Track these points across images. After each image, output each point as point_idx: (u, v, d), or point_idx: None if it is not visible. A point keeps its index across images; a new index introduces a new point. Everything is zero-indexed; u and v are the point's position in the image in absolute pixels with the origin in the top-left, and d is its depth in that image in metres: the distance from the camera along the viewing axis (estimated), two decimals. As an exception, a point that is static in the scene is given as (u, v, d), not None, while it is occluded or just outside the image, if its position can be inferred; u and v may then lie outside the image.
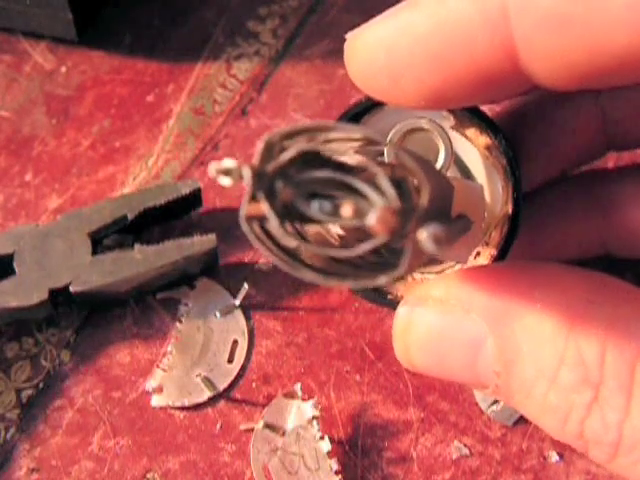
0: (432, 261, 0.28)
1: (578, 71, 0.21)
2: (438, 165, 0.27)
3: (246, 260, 0.37)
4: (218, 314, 0.36)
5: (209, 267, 0.36)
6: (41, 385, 0.34)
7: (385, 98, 0.24)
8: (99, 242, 0.35)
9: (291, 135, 0.19)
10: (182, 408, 0.34)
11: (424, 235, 0.17)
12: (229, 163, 0.18)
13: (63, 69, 0.42)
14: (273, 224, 0.18)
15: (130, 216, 0.35)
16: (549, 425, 0.23)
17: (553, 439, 0.33)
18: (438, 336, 0.24)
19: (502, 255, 0.27)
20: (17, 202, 0.38)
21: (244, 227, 0.19)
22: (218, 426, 0.33)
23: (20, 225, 0.37)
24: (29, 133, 0.40)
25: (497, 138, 0.27)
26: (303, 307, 0.36)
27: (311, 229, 0.20)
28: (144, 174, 0.39)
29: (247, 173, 0.18)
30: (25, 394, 0.34)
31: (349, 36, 0.24)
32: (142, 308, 0.36)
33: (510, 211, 0.27)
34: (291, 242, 0.19)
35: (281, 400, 0.33)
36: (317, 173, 0.18)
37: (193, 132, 0.40)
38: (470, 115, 0.27)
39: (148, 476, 0.32)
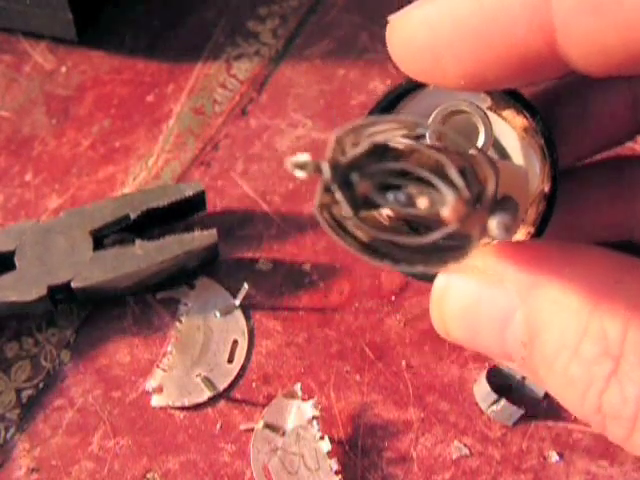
0: None
1: (613, 57, 0.21)
2: (480, 143, 0.27)
3: (246, 260, 0.37)
4: (218, 314, 0.36)
5: (210, 263, 0.36)
6: (41, 385, 0.34)
7: (426, 78, 0.25)
8: (100, 240, 0.35)
9: (357, 129, 0.19)
10: (182, 408, 0.34)
11: (494, 224, 0.19)
12: (305, 157, 0.19)
13: (63, 69, 0.42)
14: (347, 214, 0.19)
15: (133, 216, 0.36)
16: (569, 399, 0.23)
17: (553, 439, 0.33)
18: (473, 304, 0.25)
19: (539, 232, 0.28)
20: (17, 202, 0.38)
21: (318, 216, 0.20)
22: (218, 426, 0.33)
23: (22, 222, 0.37)
24: (29, 133, 0.40)
25: (534, 119, 0.27)
26: (303, 307, 0.36)
27: (378, 215, 0.21)
28: (144, 174, 0.39)
29: (326, 166, 0.19)
30: (25, 394, 0.34)
31: (392, 18, 0.25)
32: (142, 308, 0.36)
33: (547, 190, 0.27)
34: (364, 231, 0.20)
35: (281, 400, 0.33)
36: (391, 165, 0.19)
37: (193, 132, 0.40)
38: (507, 96, 0.27)
39: (148, 476, 0.32)
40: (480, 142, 0.27)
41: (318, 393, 0.34)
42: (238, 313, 0.36)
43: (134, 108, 0.41)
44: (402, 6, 0.24)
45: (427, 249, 0.20)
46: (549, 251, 0.24)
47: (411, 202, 0.19)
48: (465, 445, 0.33)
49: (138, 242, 0.35)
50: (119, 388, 0.34)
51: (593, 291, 0.22)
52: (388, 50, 0.25)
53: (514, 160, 0.29)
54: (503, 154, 0.30)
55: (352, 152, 0.19)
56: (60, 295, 0.34)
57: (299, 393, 0.33)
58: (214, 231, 0.35)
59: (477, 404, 0.33)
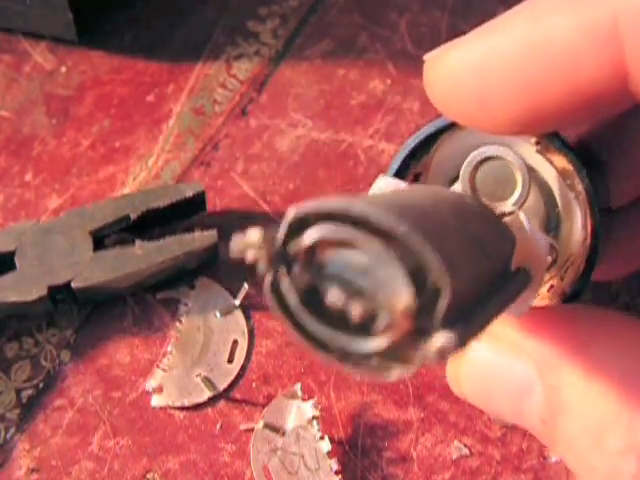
0: None
1: None
2: (513, 199, 0.25)
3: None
4: (218, 314, 0.36)
5: (210, 263, 0.36)
6: (41, 385, 0.34)
7: (471, 123, 0.23)
8: (101, 241, 0.35)
9: (318, 215, 0.18)
10: (182, 408, 0.34)
11: (433, 347, 0.16)
12: (250, 237, 0.17)
13: (63, 69, 0.42)
14: (293, 304, 0.18)
15: (133, 216, 0.36)
16: None
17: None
18: (487, 372, 0.24)
19: (574, 296, 0.26)
20: (17, 202, 0.38)
21: (268, 298, 0.18)
22: (218, 426, 0.33)
23: (22, 222, 0.37)
24: (29, 133, 0.40)
25: (576, 166, 0.25)
26: (303, 307, 0.36)
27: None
28: (144, 174, 0.39)
29: (262, 259, 0.17)
30: (25, 394, 0.34)
31: (428, 57, 0.23)
32: (142, 308, 0.36)
33: (588, 247, 0.25)
34: (309, 322, 0.18)
35: (281, 400, 0.33)
36: (337, 260, 0.18)
37: (193, 132, 0.40)
38: (555, 140, 0.25)
39: (148, 476, 0.32)
40: (516, 194, 0.25)
41: (318, 393, 0.34)
42: (238, 313, 0.36)
43: (134, 108, 0.41)
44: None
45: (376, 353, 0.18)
46: (576, 321, 0.23)
47: (347, 308, 0.17)
48: (465, 445, 0.33)
49: (138, 242, 0.35)
50: (119, 388, 0.34)
51: (623, 375, 0.20)
52: (426, 91, 0.23)
53: (560, 206, 0.27)
54: (549, 198, 0.28)
55: (299, 241, 0.18)
56: (60, 295, 0.34)
57: (299, 393, 0.33)
58: (214, 232, 0.35)
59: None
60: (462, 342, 0.17)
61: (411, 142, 0.27)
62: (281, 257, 0.18)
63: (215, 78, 0.42)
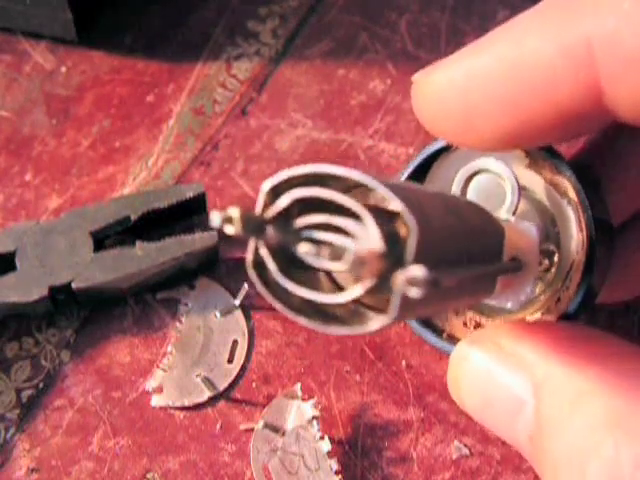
0: (500, 309, 0.27)
1: None
2: (505, 208, 0.26)
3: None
4: (218, 314, 0.36)
5: (210, 264, 0.36)
6: (41, 385, 0.34)
7: (457, 141, 0.24)
8: (101, 241, 0.35)
9: (292, 180, 0.19)
10: (182, 408, 0.34)
11: (400, 279, 0.17)
12: (229, 212, 0.18)
13: (63, 69, 0.42)
14: (272, 269, 0.19)
15: (133, 217, 0.36)
16: None
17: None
18: (487, 381, 0.24)
19: (577, 311, 0.26)
20: (17, 202, 0.38)
21: (250, 274, 0.19)
22: (218, 426, 0.33)
23: (23, 222, 0.37)
24: (29, 133, 0.40)
25: (569, 178, 0.26)
26: (303, 307, 0.36)
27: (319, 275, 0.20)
28: (144, 174, 0.39)
29: (237, 224, 0.18)
30: (25, 394, 0.34)
31: (416, 77, 0.24)
32: (142, 308, 0.36)
33: (585, 250, 0.26)
34: (291, 288, 0.19)
35: (281, 400, 0.33)
36: (310, 219, 0.19)
37: (193, 132, 0.40)
38: (544, 153, 0.26)
39: (148, 476, 0.32)
40: (507, 203, 0.26)
41: (318, 393, 0.34)
42: (238, 313, 0.36)
43: (134, 108, 0.41)
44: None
45: (349, 309, 0.19)
46: (577, 342, 0.23)
47: (319, 254, 0.18)
48: (465, 445, 0.33)
49: (139, 243, 0.35)
50: (119, 388, 0.34)
51: (614, 404, 0.20)
52: (414, 110, 0.24)
53: (558, 220, 0.27)
54: (543, 212, 0.28)
55: (273, 206, 0.19)
56: (61, 296, 0.34)
57: (299, 393, 0.33)
58: (214, 232, 0.35)
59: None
60: (434, 280, 0.17)
61: (405, 172, 0.28)
62: (258, 224, 0.18)
63: (215, 78, 0.42)
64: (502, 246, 0.24)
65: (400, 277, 0.17)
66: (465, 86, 0.22)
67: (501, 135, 0.23)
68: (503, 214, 0.26)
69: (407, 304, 0.18)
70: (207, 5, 0.44)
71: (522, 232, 0.26)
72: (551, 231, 0.27)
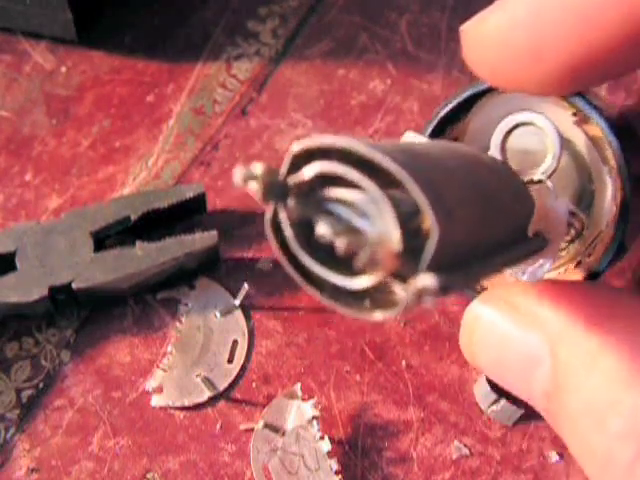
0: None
1: None
2: (544, 167, 0.25)
3: (247, 260, 0.37)
4: (218, 314, 0.36)
5: (210, 264, 0.36)
6: (41, 385, 0.34)
7: (522, 84, 0.23)
8: (101, 242, 0.35)
9: (317, 150, 0.18)
10: (182, 408, 0.34)
11: (412, 286, 0.16)
12: (254, 169, 0.17)
13: (63, 69, 0.42)
14: (288, 236, 0.18)
15: (133, 217, 0.36)
16: (588, 467, 0.21)
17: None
18: (501, 341, 0.23)
19: (597, 273, 0.25)
20: (17, 202, 0.38)
21: (267, 232, 0.19)
22: (218, 426, 0.33)
23: (23, 223, 0.37)
24: (29, 133, 0.40)
25: (610, 138, 0.25)
26: (303, 307, 0.36)
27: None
28: (144, 174, 0.39)
29: (260, 184, 0.17)
30: (25, 394, 0.34)
31: (468, 26, 0.23)
32: (142, 308, 0.36)
33: (616, 221, 0.25)
34: (302, 258, 0.19)
35: (281, 400, 0.33)
36: (334, 192, 0.18)
37: (193, 132, 0.40)
38: (590, 110, 0.25)
39: (148, 476, 0.32)
40: (547, 160, 0.25)
41: (318, 393, 0.34)
42: (238, 313, 0.36)
43: (134, 108, 0.41)
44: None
45: (358, 292, 0.19)
46: (594, 298, 0.22)
47: (336, 239, 0.17)
48: (465, 445, 0.33)
49: (139, 243, 0.35)
50: (119, 388, 0.34)
51: (634, 358, 0.20)
52: (467, 61, 0.23)
53: (593, 174, 0.26)
54: (582, 166, 0.27)
55: (297, 175, 0.18)
56: (61, 296, 0.34)
57: (299, 393, 0.33)
58: (214, 232, 0.35)
59: (477, 404, 0.33)
60: (446, 288, 0.17)
61: (446, 106, 0.27)
62: (281, 190, 0.18)
63: (215, 78, 0.42)
64: (529, 223, 0.23)
65: (412, 285, 0.17)
66: (531, 19, 0.21)
67: (570, 66, 0.21)
68: (538, 174, 0.25)
69: (416, 305, 0.17)
70: (207, 5, 0.44)
71: (553, 209, 0.24)
72: (587, 188, 0.26)
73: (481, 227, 0.20)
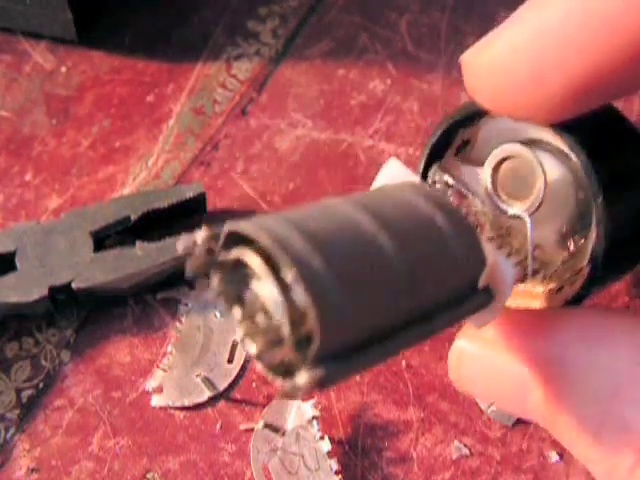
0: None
1: None
2: (524, 204, 0.24)
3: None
4: (218, 314, 0.36)
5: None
6: (41, 385, 0.34)
7: (527, 112, 0.23)
8: (101, 242, 0.35)
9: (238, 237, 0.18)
10: (182, 408, 0.34)
11: (291, 384, 0.17)
12: (197, 237, 0.18)
13: (63, 69, 0.42)
14: (213, 289, 0.20)
15: (133, 217, 0.36)
16: (596, 474, 0.22)
17: (553, 439, 0.33)
18: (486, 374, 0.24)
19: (577, 300, 0.25)
20: (17, 202, 0.38)
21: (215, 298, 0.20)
22: (218, 426, 0.33)
23: (23, 223, 0.37)
24: (29, 133, 0.40)
25: (588, 173, 0.24)
26: (303, 307, 0.36)
27: None
28: (144, 174, 0.39)
29: (197, 257, 0.19)
30: (25, 394, 0.34)
31: (467, 56, 0.23)
32: (142, 308, 0.36)
33: (591, 256, 0.25)
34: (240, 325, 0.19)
35: (281, 400, 0.33)
36: (247, 278, 0.19)
37: (193, 132, 0.40)
38: (573, 146, 0.24)
39: (148, 476, 0.32)
40: (533, 194, 0.24)
41: (318, 393, 0.34)
42: (238, 313, 0.36)
43: (134, 108, 0.41)
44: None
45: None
46: (575, 322, 0.23)
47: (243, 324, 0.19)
48: (465, 445, 0.33)
49: (139, 243, 0.35)
50: (119, 388, 0.34)
51: (616, 373, 0.21)
52: (469, 91, 0.23)
53: (580, 206, 0.26)
54: (570, 202, 0.26)
55: (223, 254, 0.19)
56: (61, 296, 0.34)
57: (299, 393, 0.33)
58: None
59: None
60: (330, 381, 0.17)
61: (456, 114, 0.26)
62: (208, 267, 0.19)
63: (215, 78, 0.42)
64: (479, 276, 0.21)
65: (293, 382, 0.17)
66: (533, 46, 0.21)
67: (574, 88, 0.21)
68: (518, 210, 0.24)
69: (298, 395, 0.18)
70: (207, 5, 0.45)
71: (500, 267, 0.22)
72: (591, 205, 0.25)
73: (397, 300, 0.19)
